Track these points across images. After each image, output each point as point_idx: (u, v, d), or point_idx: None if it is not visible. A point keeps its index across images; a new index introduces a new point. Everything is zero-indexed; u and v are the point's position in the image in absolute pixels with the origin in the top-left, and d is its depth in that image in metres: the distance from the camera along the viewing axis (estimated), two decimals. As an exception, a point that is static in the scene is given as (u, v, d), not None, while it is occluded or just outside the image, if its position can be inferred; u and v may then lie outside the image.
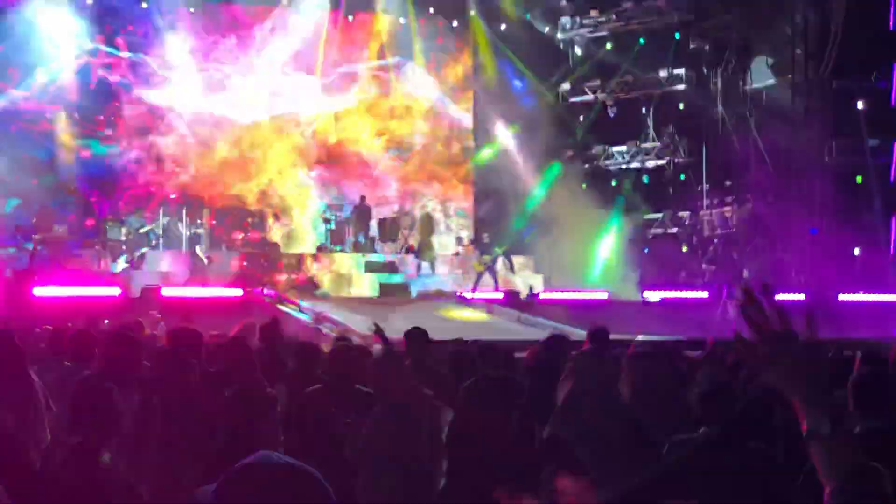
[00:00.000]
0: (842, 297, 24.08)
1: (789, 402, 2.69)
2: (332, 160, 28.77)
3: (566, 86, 30.43)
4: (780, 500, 5.01)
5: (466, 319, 21.63)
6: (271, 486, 2.12)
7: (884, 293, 24.63)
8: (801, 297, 23.85)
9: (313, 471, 2.17)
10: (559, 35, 30.23)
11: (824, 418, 2.56)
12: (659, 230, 29.17)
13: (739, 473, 5.01)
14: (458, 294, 24.28)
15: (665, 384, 6.19)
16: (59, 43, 25.50)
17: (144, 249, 24.52)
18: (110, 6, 25.66)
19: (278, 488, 2.11)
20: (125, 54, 26.40)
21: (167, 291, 20.21)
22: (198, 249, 24.82)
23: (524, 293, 24.27)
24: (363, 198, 27.50)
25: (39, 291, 18.77)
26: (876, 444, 4.59)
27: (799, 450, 4.92)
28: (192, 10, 27.12)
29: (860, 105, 27.33)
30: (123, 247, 24.22)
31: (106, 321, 13.17)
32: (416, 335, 8.31)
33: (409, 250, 27.17)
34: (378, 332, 6.90)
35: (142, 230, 24.97)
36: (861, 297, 24.39)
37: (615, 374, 6.45)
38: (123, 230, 24.50)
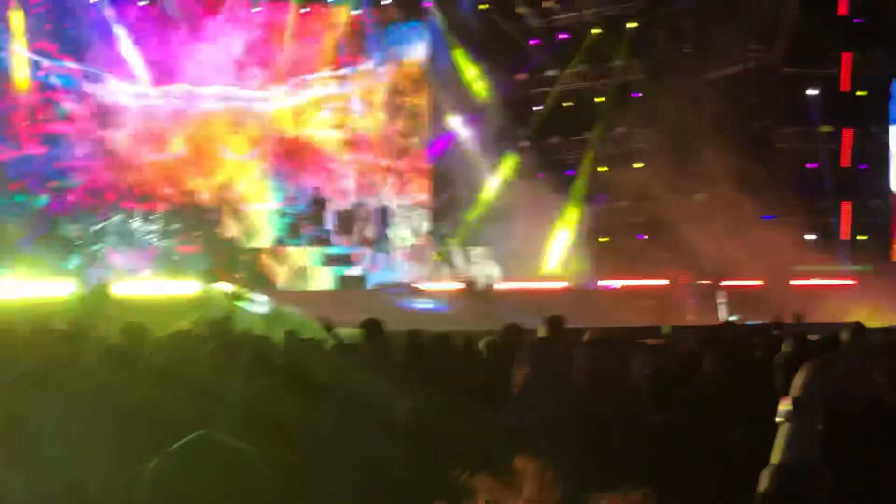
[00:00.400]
0: (794, 282, 24.35)
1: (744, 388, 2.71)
2: (290, 153, 28.62)
3: (521, 76, 30.43)
4: (734, 485, 5.02)
5: (423, 310, 21.62)
6: (210, 465, 2.10)
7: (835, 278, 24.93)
8: (758, 283, 24.13)
9: (251, 449, 2.16)
10: (514, 26, 30.21)
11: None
12: (617, 220, 29.26)
13: (693, 458, 5.03)
14: (414, 285, 24.26)
15: (617, 371, 6.21)
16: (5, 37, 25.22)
17: (99, 246, 24.30)
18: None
19: (217, 466, 2.10)
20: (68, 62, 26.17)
21: (121, 288, 19.99)
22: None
23: (481, 284, 24.29)
24: (317, 189, 27.35)
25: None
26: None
27: (755, 434, 4.97)
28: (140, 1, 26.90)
29: (811, 92, 27.60)
30: (77, 244, 24.00)
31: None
32: (372, 326, 8.28)
33: (365, 242, 27.12)
34: (327, 327, 6.90)
35: (95, 227, 24.73)
36: (814, 281, 24.66)
37: (570, 362, 6.46)
38: (75, 227, 24.26)
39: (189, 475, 2.09)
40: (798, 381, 3.27)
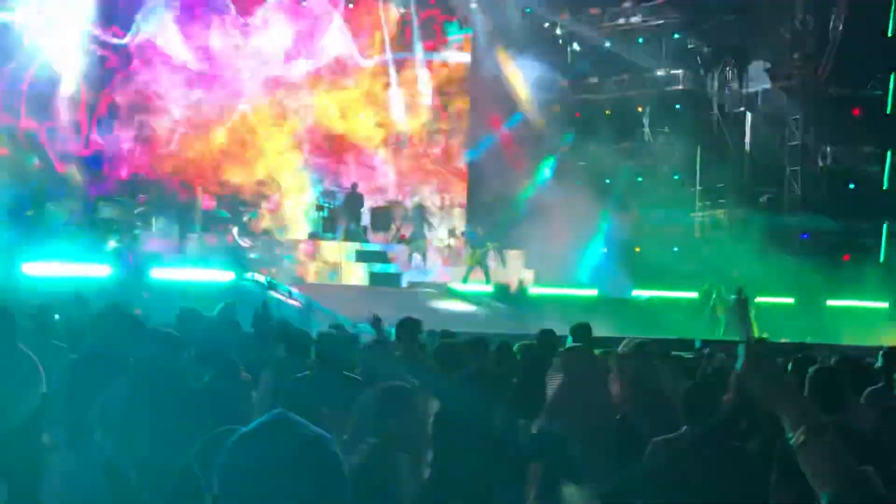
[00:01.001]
0: (830, 302, 24.18)
1: (770, 407, 2.73)
2: (330, 148, 28.75)
3: (563, 82, 30.43)
4: (758, 499, 5.05)
5: (456, 312, 21.64)
6: (286, 446, 2.11)
7: (872, 301, 24.72)
8: (790, 301, 23.99)
9: (325, 434, 2.17)
10: (559, 31, 30.23)
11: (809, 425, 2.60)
12: (652, 230, 29.18)
13: (721, 472, 5.05)
14: (448, 286, 24.29)
15: (653, 384, 6.24)
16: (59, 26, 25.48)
17: (137, 231, 24.42)
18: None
19: (293, 448, 2.10)
20: (119, 41, 26.42)
21: (157, 273, 20.15)
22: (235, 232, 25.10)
23: (514, 287, 24.28)
24: (355, 185, 27.41)
25: (29, 269, 18.73)
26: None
27: (775, 451, 4.99)
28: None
29: (856, 112, 27.44)
30: (115, 226, 24.12)
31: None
32: (409, 325, 8.32)
33: (400, 240, 27.17)
34: (376, 323, 6.95)
35: (135, 211, 24.87)
36: (849, 302, 24.47)
37: (604, 371, 6.49)
38: (115, 210, 24.38)
39: (265, 455, 2.09)
40: None
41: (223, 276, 20.62)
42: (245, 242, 24.95)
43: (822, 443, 2.57)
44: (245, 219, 26.09)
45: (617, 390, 6.19)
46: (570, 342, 9.55)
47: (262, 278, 21.10)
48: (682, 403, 5.41)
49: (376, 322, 6.91)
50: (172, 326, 8.00)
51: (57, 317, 9.48)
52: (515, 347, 8.63)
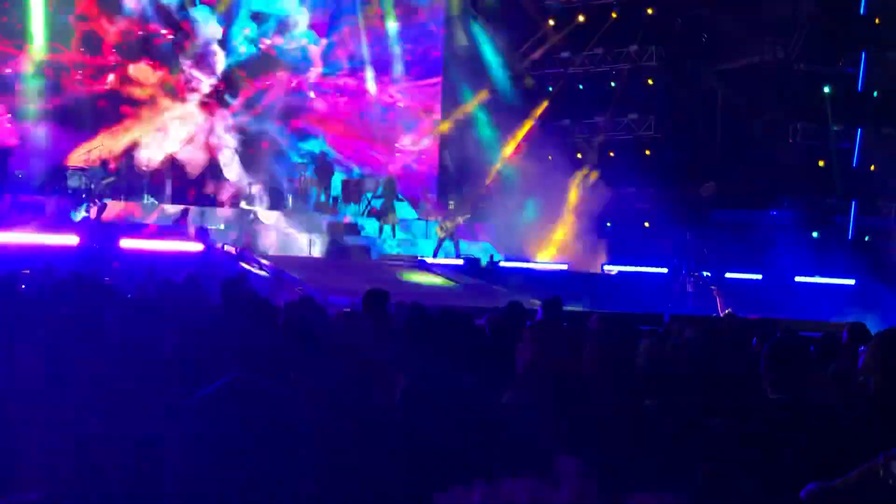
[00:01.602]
0: (798, 279, 24.33)
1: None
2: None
3: (536, 55, 30.40)
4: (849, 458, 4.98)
5: (426, 284, 21.64)
6: (246, 401, 2.14)
7: (840, 277, 24.90)
8: (758, 277, 24.12)
9: (282, 388, 2.21)
10: (532, 4, 30.16)
11: None
12: (623, 206, 29.25)
13: (814, 434, 5.00)
14: (418, 259, 24.28)
15: (624, 356, 6.27)
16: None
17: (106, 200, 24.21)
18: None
19: (252, 403, 2.14)
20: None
21: (126, 243, 20.01)
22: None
23: (484, 261, 24.31)
24: (324, 154, 27.27)
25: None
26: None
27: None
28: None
29: (826, 89, 27.56)
30: (83, 196, 23.92)
31: None
32: (376, 296, 8.31)
33: (371, 213, 27.12)
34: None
35: (105, 181, 24.63)
36: (817, 279, 24.64)
37: (574, 344, 6.49)
38: (84, 180, 24.17)
39: (227, 410, 2.14)
40: None
41: (193, 246, 20.51)
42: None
43: None
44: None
45: (589, 362, 6.20)
46: (539, 316, 9.62)
47: (231, 249, 21.02)
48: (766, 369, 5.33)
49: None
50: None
51: (24, 286, 9.42)
52: (484, 320, 8.63)
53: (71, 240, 19.36)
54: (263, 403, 2.21)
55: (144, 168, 25.95)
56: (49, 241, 19.06)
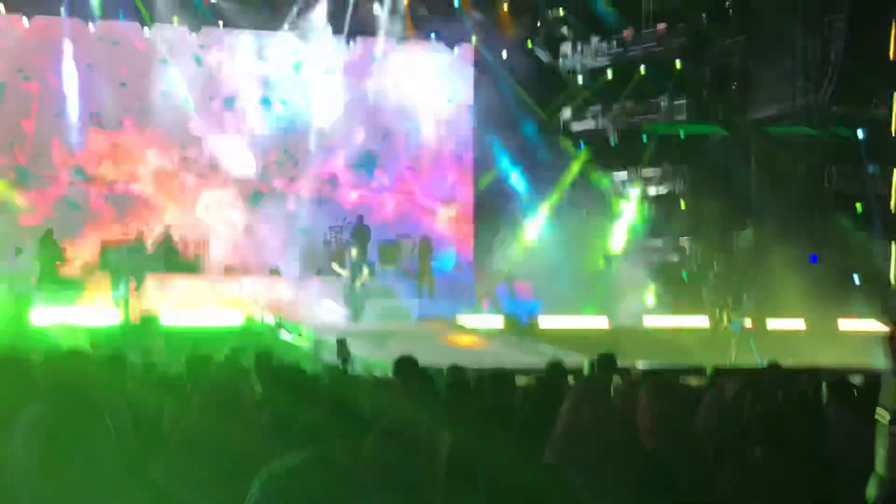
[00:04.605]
0: (841, 324, 24.05)
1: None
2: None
3: (567, 113, 30.52)
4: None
5: (466, 345, 21.59)
6: (321, 482, 2.14)
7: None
8: (800, 322, 23.88)
9: (361, 470, 2.18)
10: (560, 63, 30.33)
11: None
12: (660, 257, 29.15)
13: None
14: (457, 320, 24.24)
15: (676, 413, 6.18)
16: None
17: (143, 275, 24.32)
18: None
19: (328, 484, 2.11)
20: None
21: (168, 318, 20.12)
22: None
23: (524, 320, 24.21)
24: (361, 217, 27.36)
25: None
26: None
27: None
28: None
29: (860, 133, 27.42)
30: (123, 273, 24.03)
31: None
32: (405, 363, 8.27)
33: (409, 275, 27.15)
34: (341, 349, 6.91)
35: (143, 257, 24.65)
36: (860, 324, 24.33)
37: (618, 401, 6.43)
38: (123, 258, 24.20)
39: (300, 492, 2.09)
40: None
41: (234, 319, 20.63)
42: None
43: None
44: None
45: (645, 424, 6.07)
46: (587, 372, 9.48)
47: (271, 319, 21.10)
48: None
49: (341, 346, 6.88)
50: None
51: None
52: (524, 381, 8.58)
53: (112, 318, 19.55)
54: (339, 482, 2.17)
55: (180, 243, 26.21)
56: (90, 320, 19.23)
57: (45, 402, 5.23)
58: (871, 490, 3.00)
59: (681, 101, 29.03)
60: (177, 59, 27.24)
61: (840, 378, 7.77)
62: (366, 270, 24.63)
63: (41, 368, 6.36)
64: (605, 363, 9.03)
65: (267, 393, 7.50)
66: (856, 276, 26.86)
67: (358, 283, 24.34)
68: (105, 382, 6.50)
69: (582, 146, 30.43)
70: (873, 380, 7.93)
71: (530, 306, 25.83)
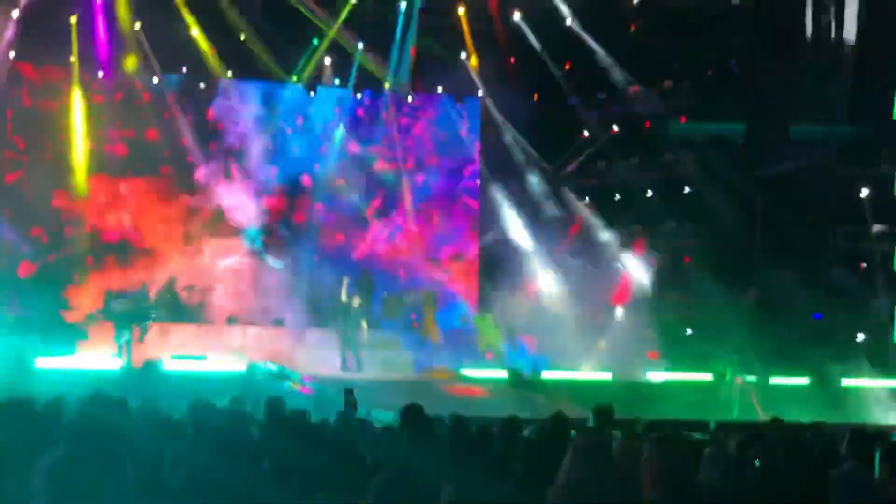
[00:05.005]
0: (844, 381, 24.02)
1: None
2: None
3: (573, 166, 30.62)
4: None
5: (469, 396, 21.55)
6: None
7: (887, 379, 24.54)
8: (804, 380, 23.84)
9: None
10: (567, 116, 30.48)
11: None
12: (665, 314, 29.08)
13: None
14: (460, 371, 24.22)
15: (678, 466, 6.17)
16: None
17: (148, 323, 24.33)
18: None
19: None
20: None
21: (170, 363, 20.13)
22: None
23: (527, 372, 24.18)
24: (365, 272, 27.46)
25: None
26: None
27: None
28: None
29: (864, 191, 27.51)
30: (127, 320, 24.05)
31: None
32: (411, 411, 8.27)
33: (412, 327, 27.17)
34: (348, 396, 6.91)
35: (145, 304, 24.71)
36: (864, 381, 24.29)
37: (619, 454, 6.42)
38: (126, 304, 24.24)
39: None
40: None
41: (235, 366, 20.60)
42: None
43: None
44: None
45: (647, 477, 6.06)
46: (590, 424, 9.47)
47: (273, 366, 21.06)
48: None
49: (348, 395, 6.89)
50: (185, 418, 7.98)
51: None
52: (526, 432, 8.57)
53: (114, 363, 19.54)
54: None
55: (184, 292, 26.25)
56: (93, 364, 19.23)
57: (64, 447, 5.24)
58: None
59: (685, 157, 29.08)
60: (183, 107, 27.45)
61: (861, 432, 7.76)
62: (364, 322, 24.79)
63: (59, 413, 6.38)
64: (603, 415, 9.01)
65: (271, 438, 7.51)
66: (860, 335, 26.83)
67: (356, 334, 24.48)
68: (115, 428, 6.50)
69: (587, 199, 30.46)
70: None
71: (534, 359, 25.79)
